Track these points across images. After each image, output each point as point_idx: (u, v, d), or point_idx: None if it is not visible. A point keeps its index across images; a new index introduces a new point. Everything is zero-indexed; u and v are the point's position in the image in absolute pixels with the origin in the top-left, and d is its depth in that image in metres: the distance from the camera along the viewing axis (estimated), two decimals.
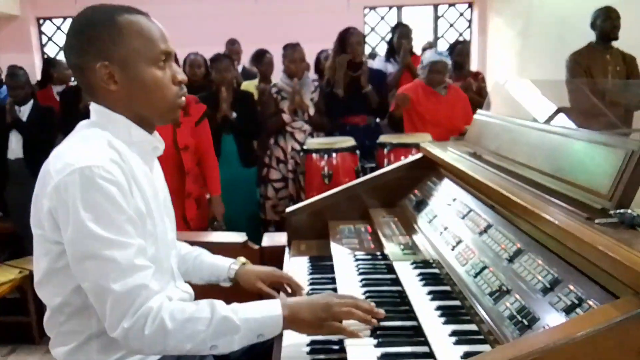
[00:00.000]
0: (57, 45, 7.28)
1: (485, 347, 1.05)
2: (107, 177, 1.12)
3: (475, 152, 1.76)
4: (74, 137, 1.25)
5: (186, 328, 1.12)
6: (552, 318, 0.95)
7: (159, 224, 1.29)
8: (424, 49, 5.41)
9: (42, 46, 7.31)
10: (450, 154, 1.81)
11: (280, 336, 1.31)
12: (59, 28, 7.29)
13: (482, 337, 1.10)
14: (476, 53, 7.21)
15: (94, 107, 1.26)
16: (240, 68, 5.51)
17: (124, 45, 1.18)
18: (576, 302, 0.93)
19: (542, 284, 1.04)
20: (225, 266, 1.54)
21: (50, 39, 7.32)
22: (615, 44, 3.94)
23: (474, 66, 6.39)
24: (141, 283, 1.11)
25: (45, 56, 7.13)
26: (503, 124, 1.60)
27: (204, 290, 1.54)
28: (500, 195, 1.27)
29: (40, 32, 7.28)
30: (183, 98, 1.29)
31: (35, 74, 6.43)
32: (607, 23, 3.84)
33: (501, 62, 7.01)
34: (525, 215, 1.14)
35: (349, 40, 3.83)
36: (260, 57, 5.14)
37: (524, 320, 0.99)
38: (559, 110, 2.11)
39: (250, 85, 4.76)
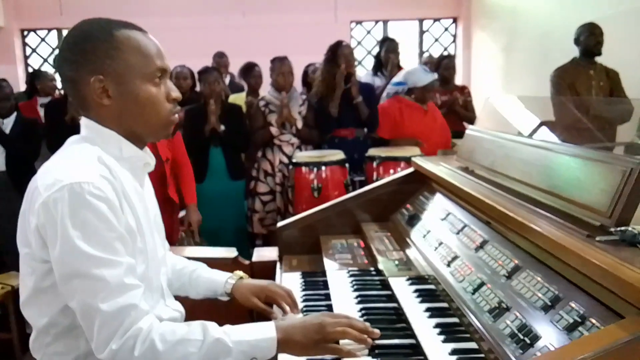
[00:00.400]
0: (41, 56, 7.20)
1: None
2: (97, 193, 1.09)
3: (467, 167, 1.76)
4: (63, 152, 1.23)
5: (177, 350, 1.08)
6: (553, 336, 0.94)
7: (149, 241, 1.26)
8: (425, 63, 5.44)
9: (26, 58, 7.22)
10: (442, 168, 1.81)
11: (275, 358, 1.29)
12: (43, 40, 7.21)
13: (482, 355, 1.08)
14: (461, 67, 7.27)
15: (84, 121, 1.24)
16: (227, 81, 5.49)
17: (120, 60, 1.16)
18: (579, 320, 0.92)
19: (542, 301, 1.03)
20: (222, 279, 1.52)
21: (34, 50, 7.23)
22: (598, 59, 4.01)
23: (458, 80, 6.45)
24: (130, 303, 1.08)
25: (29, 68, 7.04)
26: (496, 139, 1.60)
27: (195, 306, 1.51)
28: (498, 212, 1.27)
29: (24, 44, 7.20)
30: (176, 115, 1.28)
31: (19, 85, 6.34)
32: (590, 39, 3.91)
33: (485, 77, 7.09)
34: (523, 232, 1.14)
35: (342, 52, 3.83)
36: (249, 70, 5.13)
37: (526, 339, 0.98)
38: (542, 124, 2.13)
39: (238, 99, 4.74)
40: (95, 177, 1.11)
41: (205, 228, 3.97)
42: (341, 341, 1.17)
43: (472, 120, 4.73)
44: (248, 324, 1.18)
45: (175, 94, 1.25)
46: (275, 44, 5.56)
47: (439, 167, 1.83)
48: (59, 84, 5.15)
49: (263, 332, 1.15)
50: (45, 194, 1.09)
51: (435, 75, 4.07)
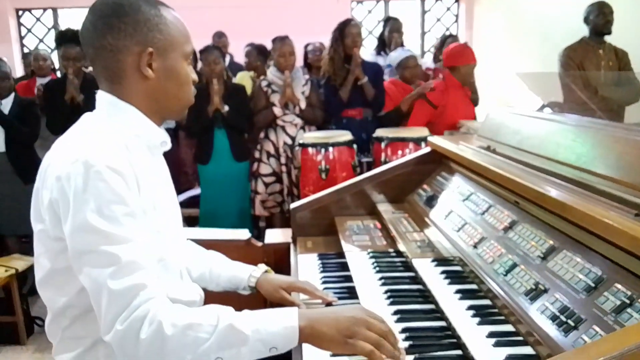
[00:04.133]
0: (37, 36, 7.05)
1: (527, 349, 1.01)
2: (113, 167, 1.05)
3: (489, 146, 1.72)
4: (78, 127, 1.18)
5: (187, 335, 1.00)
6: (599, 319, 0.91)
7: (165, 221, 1.22)
8: (443, 40, 5.35)
9: (22, 38, 7.07)
10: (463, 148, 1.76)
11: (299, 351, 1.22)
12: (38, 19, 7.05)
13: (521, 338, 1.05)
14: None
15: (102, 96, 1.19)
16: (227, 61, 5.40)
17: (168, 36, 1.17)
18: (627, 301, 0.89)
19: (584, 282, 1.00)
20: (245, 274, 1.47)
21: (29, 30, 7.08)
22: (607, 38, 3.95)
23: None
24: (140, 282, 1.02)
25: (25, 48, 6.90)
26: (527, 117, 1.56)
27: (212, 294, 1.46)
28: (532, 192, 1.22)
29: (19, 24, 7.05)
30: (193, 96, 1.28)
31: (14, 66, 6.22)
32: (600, 18, 3.85)
33: (487, 57, 7.01)
34: (563, 211, 1.10)
35: (349, 31, 3.77)
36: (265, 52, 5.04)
37: (569, 321, 0.95)
38: (547, 105, 2.08)
39: (245, 77, 4.67)
40: (111, 152, 1.07)
41: (209, 210, 3.93)
42: None
43: (474, 101, 4.68)
44: (268, 310, 1.10)
45: (195, 76, 1.26)
46: (275, 24, 5.46)
47: (459, 147, 1.78)
48: (55, 64, 5.06)
49: (284, 319, 1.05)
50: (59, 168, 1.06)
51: (409, 52, 4.03)
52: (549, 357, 0.89)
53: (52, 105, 3.71)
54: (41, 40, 7.05)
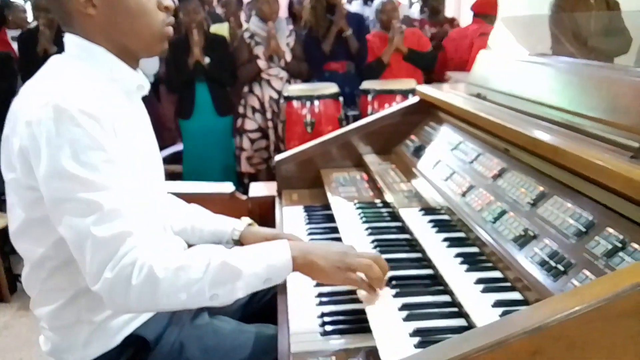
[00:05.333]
0: None
1: (516, 295, 1.00)
2: (87, 110, 0.98)
3: (479, 93, 1.68)
4: (45, 71, 1.11)
5: (179, 277, 0.98)
6: (591, 263, 0.89)
7: (146, 170, 1.17)
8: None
9: None
10: (452, 96, 1.72)
11: (284, 292, 1.23)
12: None
13: (509, 284, 1.04)
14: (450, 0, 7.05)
15: (69, 38, 1.11)
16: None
17: None
18: (619, 245, 0.87)
19: (574, 227, 0.98)
20: (229, 227, 1.44)
21: None
22: None
23: (449, 13, 6.25)
24: (126, 229, 0.98)
25: None
26: (518, 62, 1.51)
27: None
28: (524, 138, 1.19)
29: None
30: (170, 27, 1.17)
31: None
32: None
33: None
34: (555, 156, 1.07)
35: None
36: None
37: (559, 266, 0.93)
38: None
39: (221, 29, 4.52)
40: (84, 95, 1.00)
41: (193, 166, 3.87)
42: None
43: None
44: (258, 244, 1.10)
45: (167, 2, 1.14)
46: None
47: (448, 95, 1.73)
48: (30, 17, 4.85)
49: (276, 251, 1.06)
50: (28, 112, 0.99)
51: None
52: (538, 302, 0.87)
53: (25, 58, 3.57)
54: None
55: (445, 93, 1.77)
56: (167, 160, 4.34)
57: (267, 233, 1.43)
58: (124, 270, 0.96)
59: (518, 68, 1.51)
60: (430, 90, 1.87)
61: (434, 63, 3.83)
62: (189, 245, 1.38)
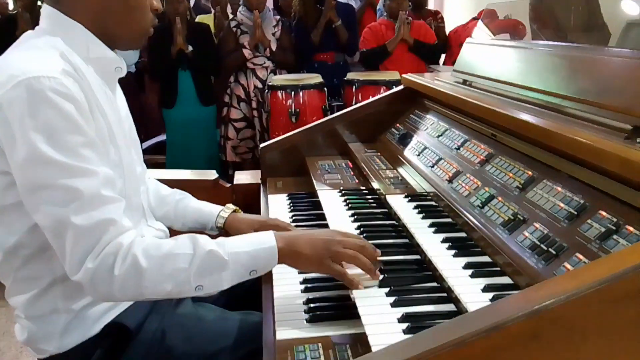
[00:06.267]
0: None
1: (505, 280, 0.98)
2: (61, 90, 0.93)
3: (465, 80, 1.66)
4: (16, 46, 1.05)
5: (164, 266, 0.96)
6: (583, 246, 0.88)
7: (124, 154, 1.12)
8: None
9: None
10: (439, 82, 1.70)
11: (269, 278, 1.19)
12: None
13: (498, 269, 1.02)
14: None
15: (45, 10, 1.06)
16: (192, 3, 5.14)
17: None
18: (612, 227, 0.85)
19: (565, 211, 0.96)
20: (213, 213, 1.40)
21: None
22: None
23: (430, 5, 6.24)
24: (108, 217, 0.94)
25: None
26: (504, 48, 1.49)
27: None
28: (514, 121, 1.16)
29: None
30: (152, 29, 1.15)
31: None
32: None
33: (458, 3, 6.89)
34: (547, 139, 1.05)
35: None
36: None
37: (550, 250, 0.91)
38: None
39: (205, 20, 4.46)
40: (58, 72, 0.95)
41: (176, 156, 3.82)
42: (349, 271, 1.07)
43: (443, 48, 4.59)
44: (243, 235, 1.08)
45: (158, 4, 1.13)
46: None
47: (434, 82, 1.71)
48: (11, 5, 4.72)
49: (262, 241, 1.04)
50: None
51: None
52: (529, 286, 0.85)
53: (3, 44, 3.47)
54: None
55: (431, 80, 1.75)
56: (150, 151, 4.30)
57: (253, 220, 1.40)
58: (107, 259, 0.93)
59: (504, 53, 1.50)
60: (416, 78, 1.84)
61: (439, 55, 3.81)
62: (172, 232, 1.34)
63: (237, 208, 1.44)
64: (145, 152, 4.15)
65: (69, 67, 0.99)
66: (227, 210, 1.41)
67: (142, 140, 4.38)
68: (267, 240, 1.04)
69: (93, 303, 1.11)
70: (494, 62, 1.53)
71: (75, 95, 0.95)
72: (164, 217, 1.40)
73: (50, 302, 1.08)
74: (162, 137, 4.11)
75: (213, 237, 1.09)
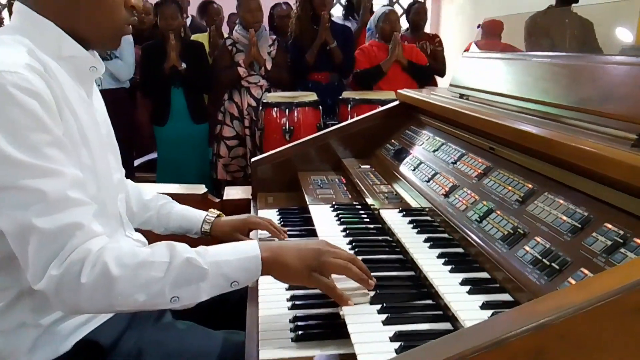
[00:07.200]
0: None
1: (505, 296, 0.92)
2: (25, 86, 0.87)
3: (461, 94, 1.62)
4: None
5: (138, 276, 0.88)
6: (588, 260, 0.82)
7: (99, 159, 1.05)
8: (410, 6, 5.18)
9: None
10: (435, 97, 1.66)
11: (255, 295, 1.13)
12: None
13: (498, 285, 0.96)
14: (430, 19, 7.09)
15: (17, 7, 1.01)
16: (188, 21, 5.14)
17: None
18: (620, 240, 0.80)
19: (568, 224, 0.91)
20: (197, 217, 1.36)
21: None
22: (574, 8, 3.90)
23: (427, 30, 6.28)
24: (75, 221, 0.87)
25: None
26: (501, 60, 1.45)
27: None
28: (514, 132, 1.11)
29: None
30: (130, 27, 1.08)
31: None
32: None
33: (454, 29, 6.94)
34: (550, 149, 0.99)
35: None
36: (206, 8, 4.85)
37: (553, 264, 0.86)
38: None
39: (199, 38, 4.44)
40: (22, 67, 0.89)
41: (167, 173, 3.75)
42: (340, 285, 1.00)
43: (441, 71, 4.58)
44: (226, 244, 1.01)
45: (137, 0, 1.06)
46: None
47: (431, 96, 1.67)
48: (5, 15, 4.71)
49: (245, 250, 0.97)
50: None
51: (389, 7, 3.92)
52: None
53: None
54: None
55: (427, 95, 1.71)
56: (141, 168, 4.23)
57: (238, 220, 1.38)
58: (73, 267, 0.86)
59: (501, 66, 1.46)
60: (411, 93, 1.81)
61: (431, 77, 3.80)
62: (154, 236, 1.29)
63: (221, 213, 1.40)
64: (136, 169, 4.08)
65: (36, 64, 0.93)
66: (211, 215, 1.38)
67: (133, 158, 4.31)
68: (250, 249, 0.98)
69: (64, 318, 1.03)
70: (491, 75, 1.49)
71: (39, 92, 0.89)
72: (147, 222, 1.35)
73: (18, 316, 1.00)
74: (154, 155, 4.05)
75: (196, 242, 1.03)
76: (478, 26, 3.37)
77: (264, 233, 1.39)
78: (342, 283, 1.01)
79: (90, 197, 0.95)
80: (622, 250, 0.78)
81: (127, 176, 1.40)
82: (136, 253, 0.92)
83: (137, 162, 4.23)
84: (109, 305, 0.90)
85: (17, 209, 0.86)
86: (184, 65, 3.51)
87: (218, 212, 1.38)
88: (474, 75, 1.60)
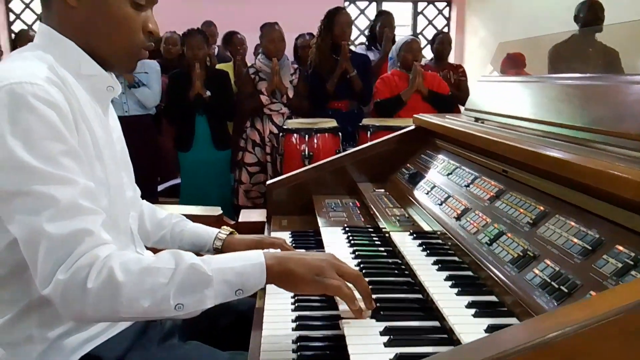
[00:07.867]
0: (25, 23, 6.83)
1: (512, 320, 0.88)
2: (44, 97, 0.90)
3: (477, 118, 1.60)
4: (6, 59, 1.04)
5: (143, 282, 0.88)
6: (599, 283, 0.79)
7: (112, 175, 1.07)
8: (434, 36, 5.20)
9: (10, 24, 6.85)
10: (450, 121, 1.64)
11: (260, 315, 1.11)
12: (27, 6, 6.85)
13: (505, 308, 0.92)
14: (453, 51, 7.12)
15: (39, 27, 1.05)
16: (215, 52, 5.28)
17: None
18: (631, 263, 0.76)
19: (579, 246, 0.88)
20: (210, 235, 1.36)
21: (18, 17, 6.87)
22: (598, 37, 3.87)
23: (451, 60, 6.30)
24: (85, 227, 0.88)
25: (13, 35, 6.68)
26: (516, 83, 1.44)
27: None
28: (527, 153, 1.09)
29: (8, 9, 6.84)
30: (146, 52, 1.11)
31: (2, 50, 6.02)
32: (590, 14, 3.76)
33: (478, 62, 6.94)
34: (563, 170, 0.96)
35: (338, 20, 3.66)
36: (230, 38, 4.96)
37: (562, 288, 0.82)
38: None
39: (225, 67, 4.55)
40: (42, 79, 0.92)
41: (190, 198, 3.80)
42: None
43: (463, 100, 4.57)
44: (230, 253, 1.01)
45: (154, 27, 1.09)
46: (266, 18, 5.35)
47: (446, 120, 1.66)
48: None
49: (249, 257, 0.97)
50: None
51: (411, 36, 3.92)
52: None
53: None
54: (30, 27, 6.84)
55: (442, 119, 1.70)
56: (164, 194, 4.29)
57: (251, 239, 1.36)
58: (80, 272, 0.86)
59: (516, 89, 1.45)
60: (427, 117, 1.80)
61: (453, 106, 3.78)
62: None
63: (234, 230, 1.40)
64: (159, 194, 4.13)
65: (56, 78, 0.96)
66: (223, 232, 1.37)
67: (157, 182, 4.36)
68: (255, 256, 0.97)
69: (70, 332, 1.03)
70: (505, 98, 1.48)
71: (58, 103, 0.92)
72: (161, 241, 1.36)
73: (25, 329, 1.01)
74: (177, 181, 4.11)
75: None
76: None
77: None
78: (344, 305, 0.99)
79: (102, 208, 0.97)
80: (633, 272, 0.75)
81: (150, 201, 1.43)
82: (141, 260, 0.93)
83: (160, 188, 4.29)
84: (114, 311, 0.90)
85: (29, 214, 0.87)
86: (208, 93, 3.59)
87: (231, 230, 1.38)
88: (489, 98, 1.58)
